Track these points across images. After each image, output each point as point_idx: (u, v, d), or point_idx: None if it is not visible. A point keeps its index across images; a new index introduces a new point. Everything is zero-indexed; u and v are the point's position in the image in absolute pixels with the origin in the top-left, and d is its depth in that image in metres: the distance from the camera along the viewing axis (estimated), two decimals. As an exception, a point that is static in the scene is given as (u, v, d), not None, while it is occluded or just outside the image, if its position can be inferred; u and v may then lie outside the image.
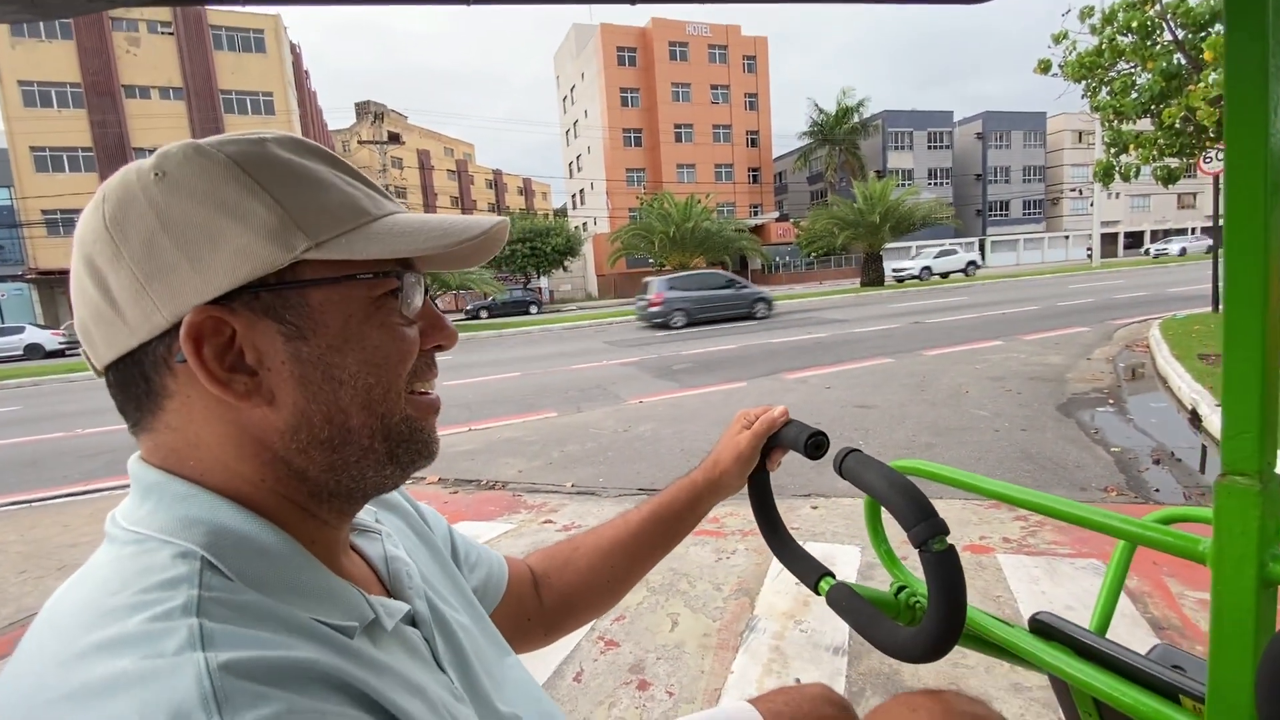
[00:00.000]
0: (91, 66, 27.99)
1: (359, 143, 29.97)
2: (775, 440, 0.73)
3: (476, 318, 26.86)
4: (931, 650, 0.53)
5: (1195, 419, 4.37)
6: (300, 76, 35.80)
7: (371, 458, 0.41)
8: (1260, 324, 0.37)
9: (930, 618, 0.52)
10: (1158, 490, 3.23)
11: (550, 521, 3.23)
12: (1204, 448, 3.92)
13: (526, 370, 9.19)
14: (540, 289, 33.93)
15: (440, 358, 0.47)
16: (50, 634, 0.32)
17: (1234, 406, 0.40)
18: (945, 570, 0.51)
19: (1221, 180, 7.15)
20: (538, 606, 0.70)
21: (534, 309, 28.28)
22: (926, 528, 0.51)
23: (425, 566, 0.54)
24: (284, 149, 0.40)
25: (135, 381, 0.39)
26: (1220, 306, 5.64)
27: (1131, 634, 1.89)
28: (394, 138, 28.30)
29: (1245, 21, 0.36)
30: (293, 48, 33.58)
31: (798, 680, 1.78)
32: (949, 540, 0.51)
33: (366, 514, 0.52)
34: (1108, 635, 0.67)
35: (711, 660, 1.92)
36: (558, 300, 39.32)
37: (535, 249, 30.43)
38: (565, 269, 34.56)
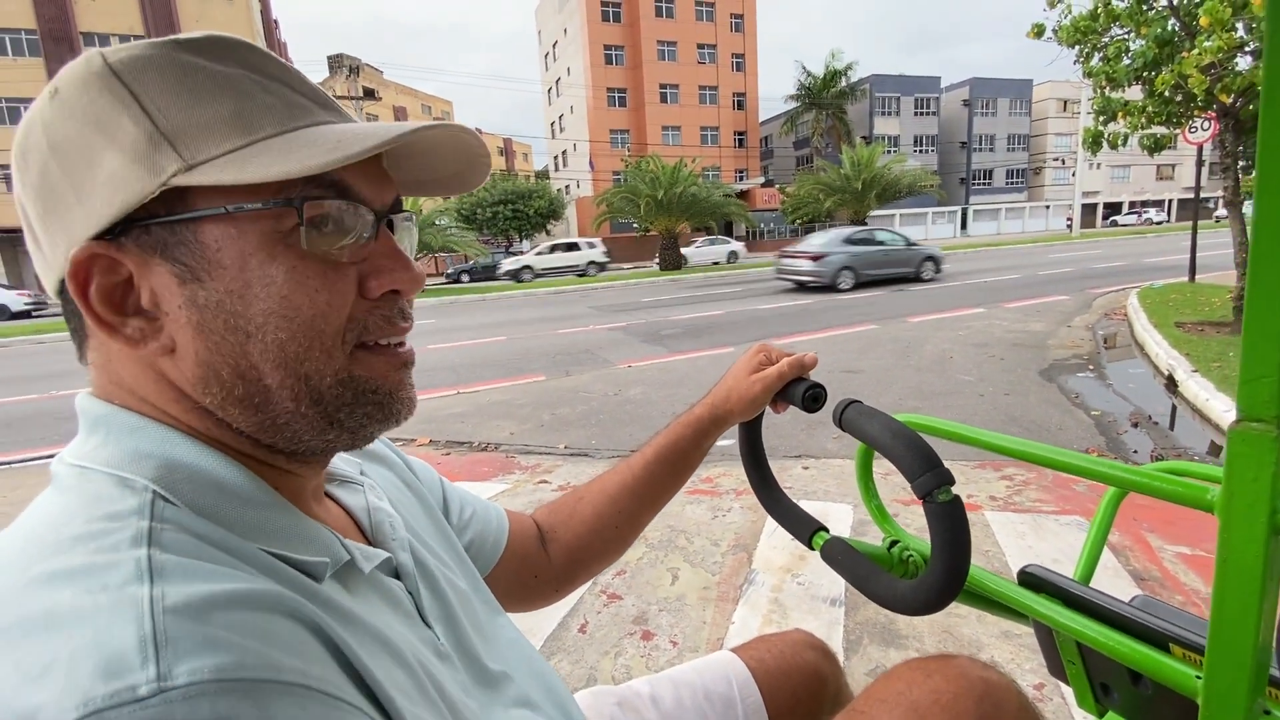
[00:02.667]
0: (46, 12, 26.38)
1: (334, 98, 28.88)
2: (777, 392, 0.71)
3: (457, 281, 26.46)
4: (935, 601, 0.52)
5: (1171, 384, 4.50)
6: (269, 26, 34.17)
7: (303, 421, 0.36)
8: None
9: (934, 569, 0.51)
10: (1135, 451, 3.34)
11: (545, 482, 3.25)
12: (1174, 408, 4.05)
13: (512, 334, 9.12)
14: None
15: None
16: None
17: (1254, 351, 0.39)
18: (951, 520, 0.50)
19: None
20: (545, 562, 0.69)
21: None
22: (932, 478, 0.50)
23: (414, 520, 0.52)
24: (195, 51, 0.34)
25: (70, 315, 0.36)
26: (1196, 276, 5.77)
27: (1113, 585, 1.97)
28: (369, 93, 27.26)
29: None
30: (261, -5, 31.94)
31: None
32: (954, 491, 0.50)
33: (348, 464, 0.50)
34: (1092, 585, 0.69)
35: (712, 612, 1.97)
36: (540, 265, 38.75)
37: (517, 211, 29.85)
38: (548, 232, 34.03)
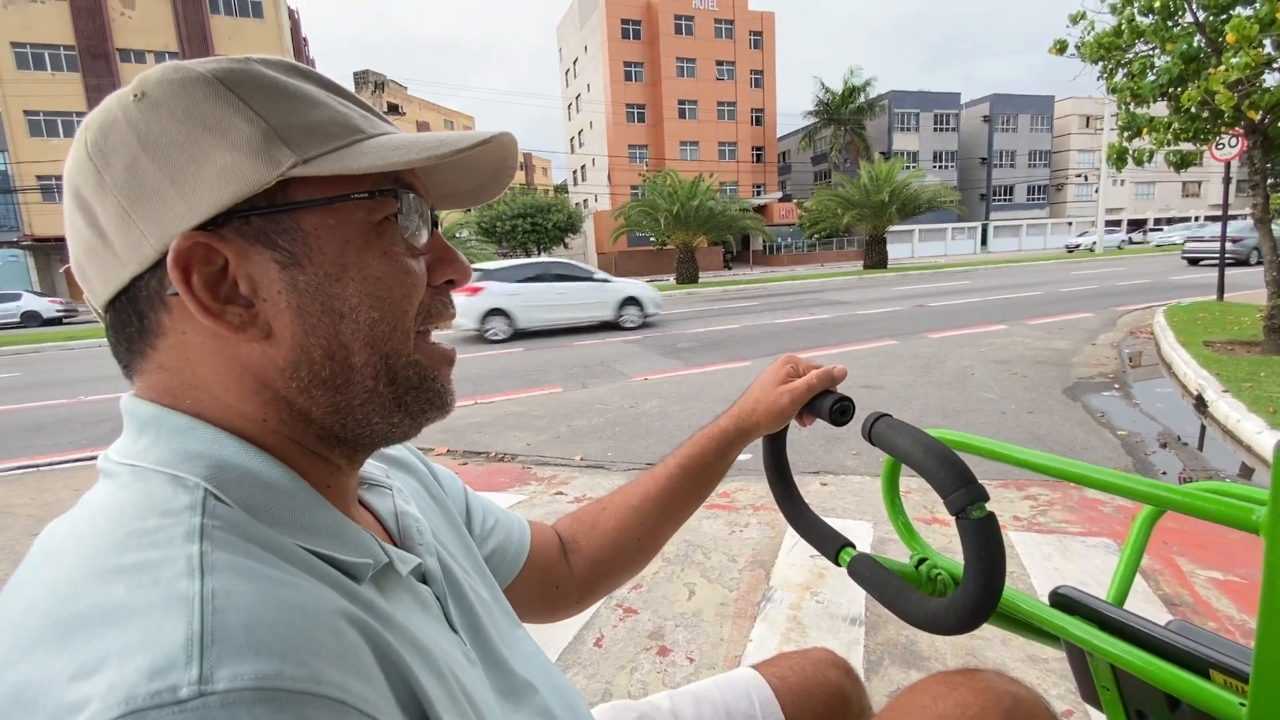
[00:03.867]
0: (85, 29, 27.37)
1: (359, 113, 29.57)
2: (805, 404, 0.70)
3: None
4: (969, 620, 0.51)
5: (1201, 404, 4.39)
6: (299, 43, 35.12)
7: (377, 401, 0.39)
8: None
9: (967, 587, 0.50)
10: (1164, 473, 3.26)
11: (561, 493, 3.25)
12: (1203, 429, 3.95)
13: (528, 345, 9.17)
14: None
15: (441, 334, 0.45)
16: (45, 564, 0.31)
17: None
18: (985, 538, 0.49)
19: (1229, 167, 7.03)
20: (567, 573, 0.68)
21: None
22: (966, 494, 0.49)
23: (438, 527, 0.53)
24: (271, 69, 0.37)
25: (130, 320, 0.37)
26: (1225, 294, 5.65)
27: (1145, 609, 1.91)
28: (393, 109, 27.92)
29: None
30: (291, 13, 32.88)
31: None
32: (988, 507, 0.49)
33: (376, 469, 0.51)
34: (1125, 608, 0.67)
35: (730, 628, 1.94)
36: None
37: (536, 225, 30.16)
38: (566, 246, 34.31)
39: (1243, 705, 0.45)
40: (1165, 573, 2.13)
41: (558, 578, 0.68)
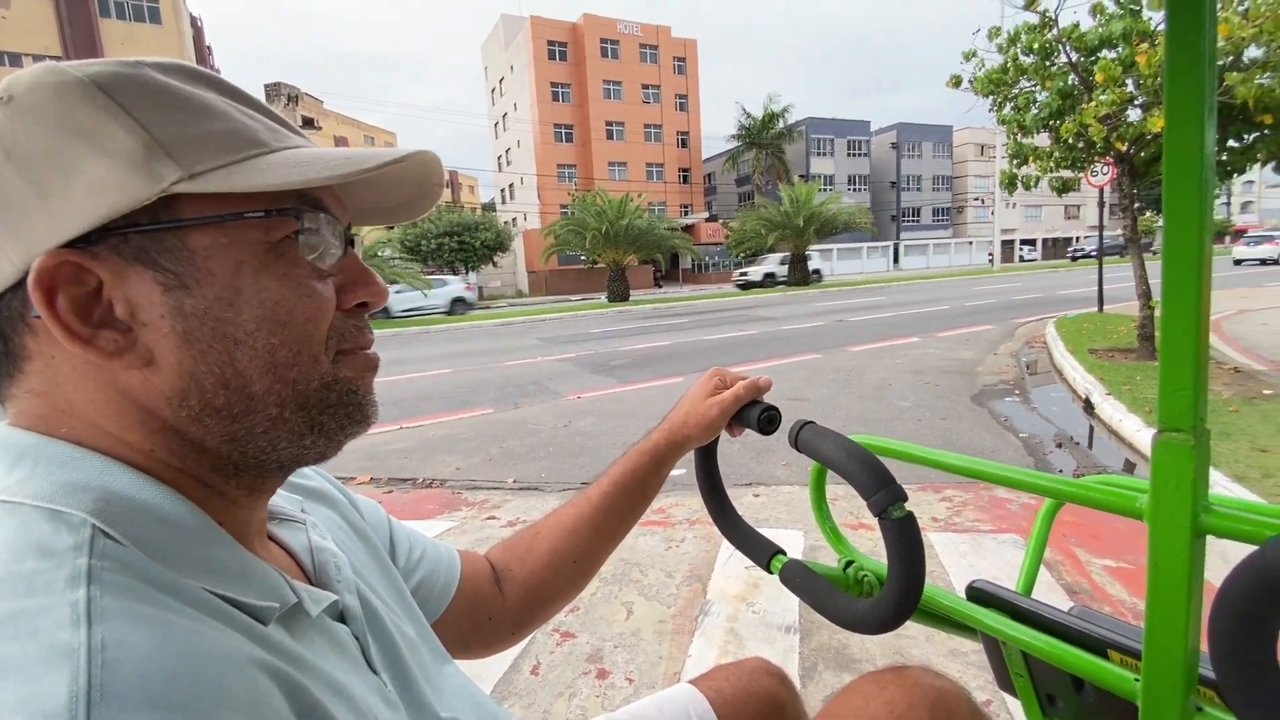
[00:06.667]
0: (-49, 28, 24.84)
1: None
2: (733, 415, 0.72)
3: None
4: (893, 618, 0.53)
5: (1089, 406, 4.81)
6: (203, 53, 33.17)
7: (284, 427, 0.36)
8: (1195, 296, 0.42)
9: (891, 586, 0.52)
10: (1061, 470, 3.54)
11: (494, 518, 3.16)
12: (1092, 429, 4.32)
13: (458, 367, 8.92)
14: (470, 285, 33.03)
15: None
16: None
17: (1170, 368, 0.44)
18: (905, 537, 0.51)
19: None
20: (501, 603, 0.66)
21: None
22: (886, 495, 0.51)
23: (359, 562, 0.50)
24: (165, 74, 0.34)
25: None
26: (1104, 307, 6.27)
27: (1049, 597, 2.04)
28: (309, 122, 26.77)
29: (1183, 40, 0.41)
30: (194, 21, 31.07)
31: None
32: (907, 507, 0.52)
33: (289, 502, 0.48)
34: (1033, 597, 0.71)
35: (668, 645, 1.94)
36: (487, 297, 38.39)
37: (463, 243, 29.52)
38: (495, 265, 33.75)
39: (1137, 680, 0.49)
40: (1066, 563, 2.30)
41: (491, 608, 0.65)
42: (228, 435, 0.35)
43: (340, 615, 0.42)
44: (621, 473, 0.70)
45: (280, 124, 0.39)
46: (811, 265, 27.49)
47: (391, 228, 32.01)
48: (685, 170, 44.38)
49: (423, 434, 5.13)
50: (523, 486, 3.69)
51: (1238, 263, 25.42)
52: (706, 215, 42.71)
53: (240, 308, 0.34)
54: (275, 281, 0.35)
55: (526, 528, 0.72)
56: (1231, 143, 5.61)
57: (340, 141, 48.02)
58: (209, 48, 36.04)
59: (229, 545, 0.35)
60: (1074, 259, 32.07)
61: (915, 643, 1.85)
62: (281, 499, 0.48)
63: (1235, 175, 5.90)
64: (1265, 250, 24.90)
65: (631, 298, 24.02)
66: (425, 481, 3.86)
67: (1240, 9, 5.04)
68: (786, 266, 26.62)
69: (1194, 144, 0.41)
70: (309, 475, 0.54)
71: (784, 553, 0.70)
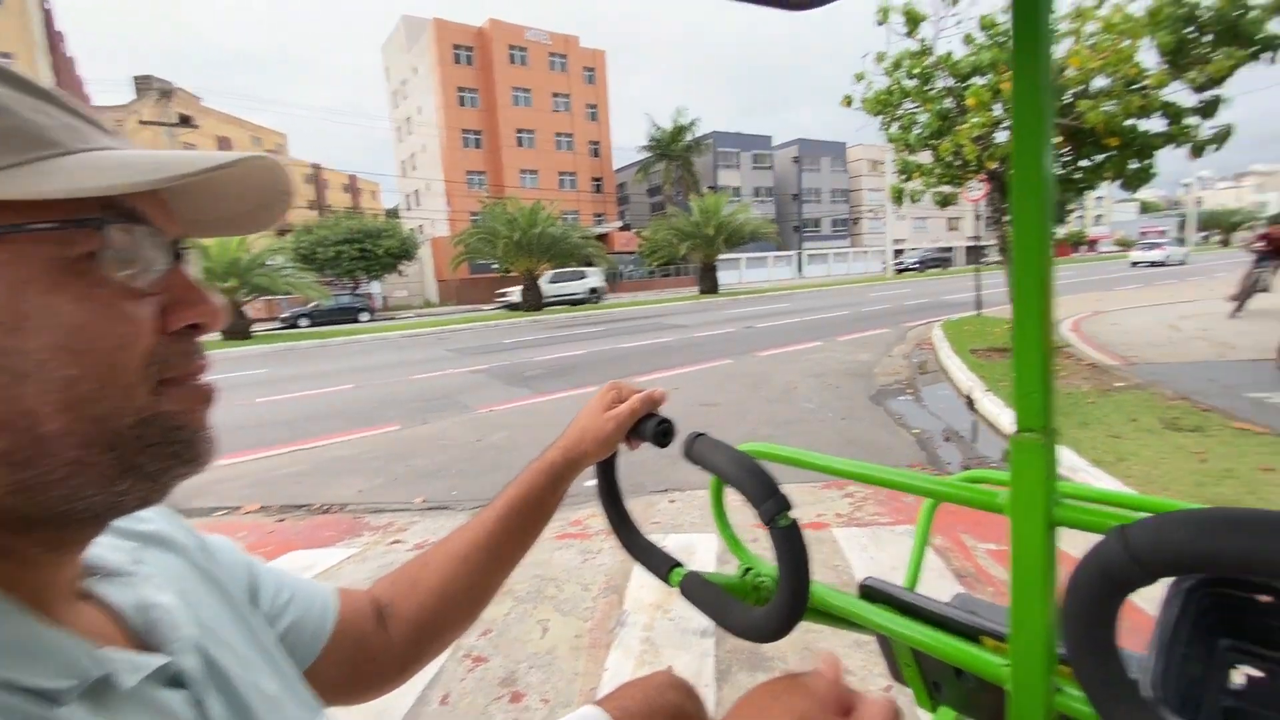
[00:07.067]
0: None
1: (139, 123, 25.20)
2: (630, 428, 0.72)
3: (295, 326, 24.17)
4: (783, 625, 0.54)
5: (970, 403, 5.23)
6: (54, 39, 29.70)
7: (90, 473, 0.31)
8: (1041, 307, 0.45)
9: (779, 594, 0.53)
10: (949, 463, 3.82)
11: (399, 541, 3.00)
12: (974, 423, 4.71)
13: (361, 382, 8.44)
14: (371, 295, 31.41)
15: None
16: None
17: (1022, 373, 0.47)
18: (790, 545, 0.53)
19: (988, 210, 8.52)
20: (384, 642, 0.61)
21: (365, 316, 26.13)
22: (772, 504, 0.52)
23: (208, 613, 0.45)
24: None
25: None
26: (981, 310, 6.87)
27: (939, 585, 2.20)
28: (185, 120, 24.51)
29: (1026, 68, 0.44)
30: (41, 1, 27.76)
31: (670, 669, 1.82)
32: (792, 515, 0.53)
33: (119, 551, 0.42)
34: (920, 588, 0.75)
35: (584, 661, 1.90)
36: (392, 307, 36.72)
37: (365, 251, 28.08)
38: (400, 273, 32.36)
39: (1006, 666, 0.52)
40: (954, 550, 2.47)
41: (373, 649, 0.60)
42: (13, 485, 0.29)
43: (175, 679, 0.37)
44: (517, 494, 0.68)
45: (87, 121, 0.33)
46: (589, 282, 25.64)
47: (282, 234, 29.85)
48: (598, 180, 44.56)
49: (320, 455, 4.80)
50: (431, 506, 3.53)
51: (1134, 265, 29.85)
52: (620, 224, 43.03)
53: (26, 335, 0.29)
54: (72, 304, 0.30)
55: (415, 558, 0.67)
56: (1084, 162, 6.32)
57: (223, 141, 44.51)
58: (60, 33, 32.35)
59: (13, 616, 0.30)
60: (899, 271, 34.22)
61: (822, 636, 1.92)
62: (108, 549, 0.41)
63: (1087, 191, 6.66)
64: (1155, 254, 29.56)
65: (545, 306, 23.78)
66: (323, 507, 3.60)
67: (1088, 44, 5.71)
68: (568, 284, 24.81)
69: (1036, 166, 0.44)
70: (146, 518, 0.47)
71: (681, 565, 0.69)
